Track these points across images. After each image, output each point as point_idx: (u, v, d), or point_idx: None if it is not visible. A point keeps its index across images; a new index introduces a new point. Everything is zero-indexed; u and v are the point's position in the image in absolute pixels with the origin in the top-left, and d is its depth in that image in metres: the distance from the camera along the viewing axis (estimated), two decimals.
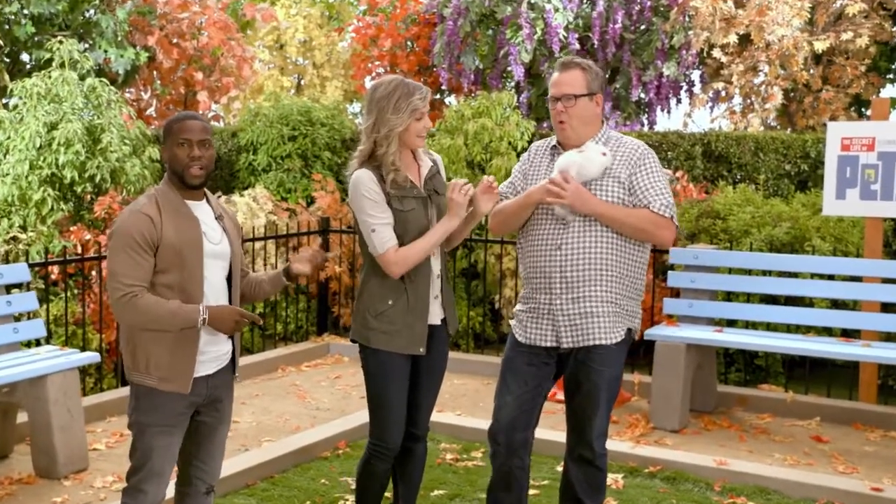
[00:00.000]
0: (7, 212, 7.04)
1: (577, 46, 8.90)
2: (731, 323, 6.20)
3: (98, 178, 7.12)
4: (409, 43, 11.04)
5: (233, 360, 3.30)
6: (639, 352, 7.03)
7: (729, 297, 6.36)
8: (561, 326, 3.50)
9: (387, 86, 3.40)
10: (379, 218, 3.40)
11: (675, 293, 6.30)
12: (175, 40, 10.53)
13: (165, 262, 3.04)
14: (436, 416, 5.61)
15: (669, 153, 8.17)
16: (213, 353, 3.20)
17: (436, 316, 3.58)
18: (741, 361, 6.57)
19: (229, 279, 3.24)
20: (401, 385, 3.53)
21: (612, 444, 5.07)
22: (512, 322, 3.71)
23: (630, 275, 3.52)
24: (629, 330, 3.57)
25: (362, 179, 3.41)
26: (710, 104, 9.68)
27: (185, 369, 3.10)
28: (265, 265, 7.71)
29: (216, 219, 3.22)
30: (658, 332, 5.75)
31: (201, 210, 3.19)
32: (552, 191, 3.40)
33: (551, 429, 5.17)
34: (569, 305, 3.48)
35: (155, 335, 3.08)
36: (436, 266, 3.56)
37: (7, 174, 6.99)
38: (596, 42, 8.92)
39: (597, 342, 3.48)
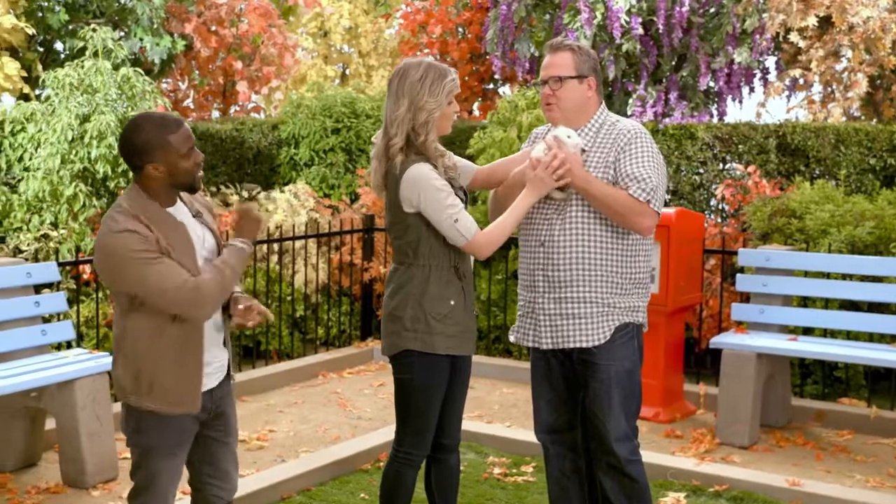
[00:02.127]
0: (38, 208, 7.18)
1: (641, 31, 8.79)
2: (808, 331, 6.08)
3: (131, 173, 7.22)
4: (460, 29, 11.03)
5: (229, 366, 3.30)
6: (705, 361, 6.94)
7: (805, 302, 6.24)
8: (541, 326, 3.59)
9: (416, 68, 3.43)
10: (457, 206, 3.42)
11: (745, 298, 6.20)
12: (213, 28, 10.66)
13: None
14: (484, 428, 5.63)
15: (740, 146, 8.04)
16: (217, 364, 3.19)
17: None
18: (819, 373, 6.44)
19: None
20: (443, 391, 3.58)
21: (674, 461, 5.03)
22: None
23: (622, 270, 3.55)
24: (631, 325, 3.58)
25: (425, 171, 3.40)
26: (787, 93, 9.49)
27: (192, 387, 3.08)
28: (306, 265, 7.76)
29: (194, 216, 3.17)
30: (725, 339, 5.66)
31: (180, 213, 3.12)
32: (549, 148, 3.47)
33: None
34: (551, 305, 3.56)
35: (157, 358, 3.02)
36: (471, 258, 3.62)
37: (38, 168, 7.13)
38: (661, 27, 8.78)
39: (575, 345, 3.53)
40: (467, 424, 5.70)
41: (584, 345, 3.51)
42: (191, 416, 3.11)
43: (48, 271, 5.20)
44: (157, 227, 2.97)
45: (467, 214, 3.45)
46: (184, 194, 3.18)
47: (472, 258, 3.62)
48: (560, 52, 3.60)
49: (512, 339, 3.74)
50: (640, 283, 3.62)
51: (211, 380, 3.17)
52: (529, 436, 5.40)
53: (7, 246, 6.83)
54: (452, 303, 3.49)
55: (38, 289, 5.30)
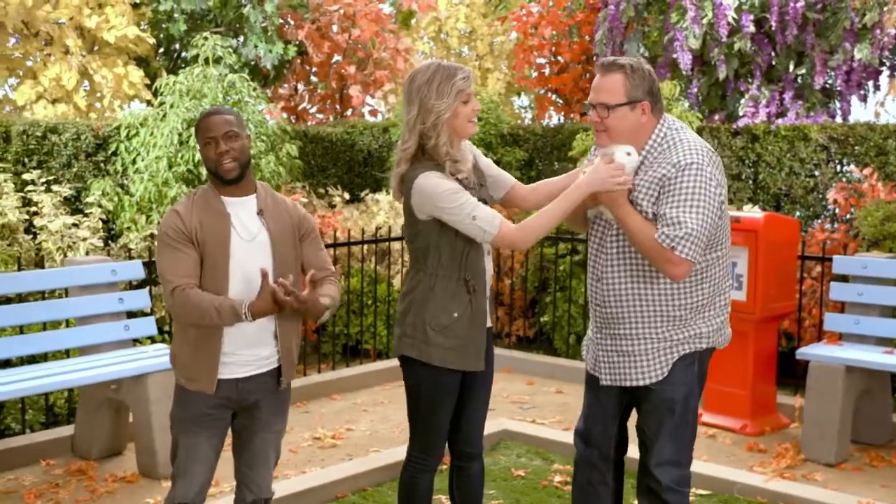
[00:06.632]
0: (147, 209, 7.50)
1: (752, 29, 8.44)
2: None
3: None
4: (573, 30, 10.88)
5: (280, 367, 3.35)
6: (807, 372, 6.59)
7: None
8: (600, 361, 3.46)
9: (424, 71, 3.35)
10: (470, 203, 3.28)
11: (841, 307, 5.86)
12: (331, 33, 10.87)
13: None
14: (555, 435, 5.50)
15: (857, 148, 7.63)
16: (246, 356, 3.28)
17: (489, 321, 3.52)
18: None
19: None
20: (452, 400, 3.49)
21: (742, 476, 4.81)
22: None
23: (676, 302, 3.32)
24: (692, 353, 3.37)
25: (432, 179, 3.29)
26: None
27: (207, 370, 3.23)
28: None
29: (257, 214, 3.30)
30: (812, 351, 5.37)
31: (240, 205, 3.29)
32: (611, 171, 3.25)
33: None
34: (607, 341, 3.43)
35: (180, 334, 3.28)
36: (489, 265, 3.49)
37: (146, 171, 7.44)
38: (774, 24, 8.42)
39: (632, 383, 3.38)
40: (538, 430, 5.62)
41: (641, 383, 3.35)
42: (209, 399, 3.25)
43: (132, 269, 5.41)
44: (201, 209, 3.23)
45: (486, 208, 3.31)
46: (262, 190, 3.36)
47: (487, 274, 3.45)
48: (610, 75, 3.24)
49: (584, 354, 3.59)
50: (703, 308, 3.35)
51: (236, 370, 3.27)
52: None
53: (116, 244, 7.15)
54: (455, 315, 3.36)
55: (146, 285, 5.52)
